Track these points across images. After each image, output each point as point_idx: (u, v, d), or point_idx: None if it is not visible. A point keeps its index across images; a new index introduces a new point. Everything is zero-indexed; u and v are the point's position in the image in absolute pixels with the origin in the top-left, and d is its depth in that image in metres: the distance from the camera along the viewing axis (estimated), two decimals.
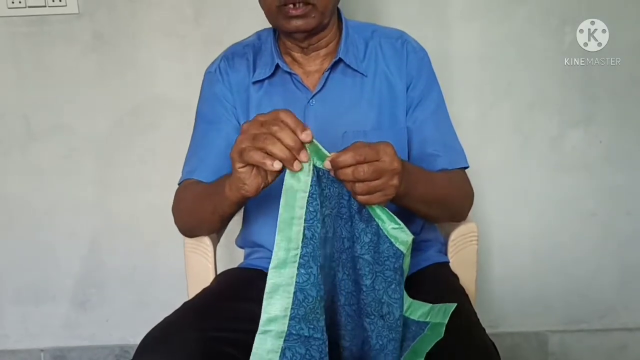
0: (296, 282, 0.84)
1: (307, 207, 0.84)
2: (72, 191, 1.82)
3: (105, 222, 1.84)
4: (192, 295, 1.17)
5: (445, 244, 1.22)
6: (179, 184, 1.18)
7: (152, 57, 1.75)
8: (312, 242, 0.85)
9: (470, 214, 1.24)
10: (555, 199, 1.85)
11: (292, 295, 0.84)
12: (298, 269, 0.84)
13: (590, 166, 1.83)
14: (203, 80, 1.21)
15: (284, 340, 0.84)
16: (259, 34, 1.20)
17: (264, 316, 0.83)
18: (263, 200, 1.10)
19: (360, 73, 1.13)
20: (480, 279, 1.23)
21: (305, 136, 0.80)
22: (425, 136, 1.14)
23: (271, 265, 0.84)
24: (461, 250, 1.20)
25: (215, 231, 1.18)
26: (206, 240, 1.21)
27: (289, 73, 1.13)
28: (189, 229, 1.16)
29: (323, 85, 1.12)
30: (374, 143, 0.85)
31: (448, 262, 1.19)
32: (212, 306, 1.04)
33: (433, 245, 1.21)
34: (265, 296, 0.83)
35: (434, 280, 1.09)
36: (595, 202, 1.86)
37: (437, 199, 1.05)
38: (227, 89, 1.17)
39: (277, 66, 1.13)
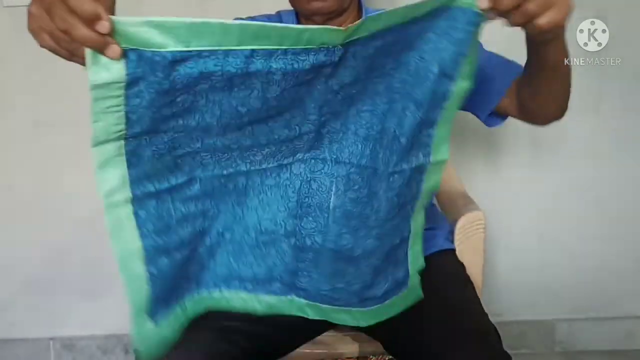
0: (125, 151, 0.76)
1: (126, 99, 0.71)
2: (80, 181, 1.82)
3: None
4: None
5: (452, 232, 1.22)
6: None
7: None
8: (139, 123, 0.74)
9: (476, 203, 1.24)
10: (563, 187, 1.85)
11: (125, 162, 0.77)
12: (126, 139, 0.75)
13: (599, 154, 1.82)
14: None
15: (132, 204, 0.79)
16: (280, 14, 1.21)
17: (101, 193, 0.78)
18: None
19: None
20: (486, 267, 1.22)
21: (102, 28, 0.62)
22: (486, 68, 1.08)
23: (92, 146, 0.75)
24: (468, 238, 1.20)
25: None
26: None
27: None
28: None
29: None
30: None
31: (454, 249, 1.19)
32: None
33: (440, 233, 1.20)
34: (96, 176, 0.77)
35: (438, 268, 1.09)
36: (603, 190, 1.85)
37: (566, 64, 0.92)
38: None
39: None
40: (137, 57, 0.68)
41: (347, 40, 0.75)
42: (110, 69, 0.68)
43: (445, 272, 1.07)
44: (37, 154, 1.82)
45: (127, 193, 0.79)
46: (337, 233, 0.90)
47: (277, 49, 0.72)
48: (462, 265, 1.15)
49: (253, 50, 0.71)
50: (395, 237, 0.93)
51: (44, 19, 0.64)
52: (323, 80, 0.79)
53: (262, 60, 0.73)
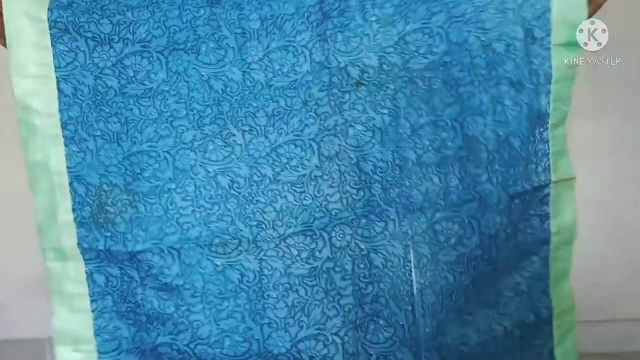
0: (68, 167, 0.62)
1: (55, 48, 0.57)
2: None
3: None
4: None
5: None
6: None
7: None
8: (77, 100, 0.58)
9: None
10: None
11: (68, 190, 0.62)
12: (66, 146, 0.62)
13: (598, 155, 1.81)
14: None
15: (85, 261, 0.63)
16: None
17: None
18: None
19: None
20: None
21: None
22: None
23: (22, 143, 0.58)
24: None
25: None
26: None
27: None
28: None
29: None
30: None
31: None
32: None
33: None
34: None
35: None
36: (603, 193, 1.84)
37: None
38: None
39: None
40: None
41: None
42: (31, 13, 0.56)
43: None
44: None
45: (72, 239, 0.66)
46: (435, 333, 0.60)
47: None
48: None
49: None
50: (528, 317, 0.66)
51: None
52: (322, 47, 0.57)
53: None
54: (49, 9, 0.54)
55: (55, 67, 0.57)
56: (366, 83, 0.58)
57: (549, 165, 0.64)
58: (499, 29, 0.59)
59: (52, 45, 0.56)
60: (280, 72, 0.57)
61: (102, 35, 0.54)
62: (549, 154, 0.65)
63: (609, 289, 1.89)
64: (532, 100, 0.63)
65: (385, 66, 0.58)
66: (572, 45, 0.68)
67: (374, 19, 0.56)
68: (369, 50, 0.57)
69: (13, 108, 1.79)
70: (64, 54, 0.56)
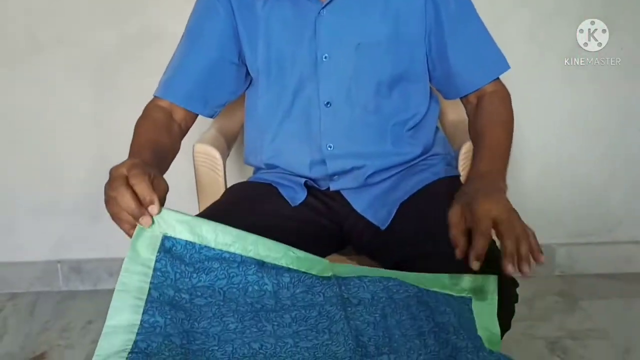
0: (137, 332, 0.78)
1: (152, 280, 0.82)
2: (79, 103, 1.81)
3: (113, 134, 1.82)
4: (202, 208, 1.18)
5: (456, 158, 1.21)
6: (154, 95, 1.16)
7: None
8: (159, 300, 0.80)
9: None
10: (566, 111, 1.83)
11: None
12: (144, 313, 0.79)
13: (603, 80, 1.79)
14: None
15: None
16: None
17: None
18: (273, 120, 1.10)
19: None
20: None
21: (152, 210, 0.84)
22: (457, 53, 1.11)
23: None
24: None
25: None
26: (216, 154, 1.21)
27: None
28: None
29: None
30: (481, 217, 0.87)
31: (458, 176, 1.18)
32: (221, 220, 1.05)
33: (443, 159, 1.20)
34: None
35: (443, 194, 1.08)
36: (606, 116, 1.83)
37: (508, 150, 1.06)
38: (221, 4, 1.12)
39: None
40: (170, 243, 0.84)
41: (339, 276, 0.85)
42: (148, 247, 0.85)
43: (449, 199, 1.07)
44: (36, 74, 1.80)
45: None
46: None
47: (282, 266, 0.84)
48: None
49: (263, 262, 0.84)
50: None
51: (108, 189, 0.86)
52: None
53: (272, 268, 0.84)
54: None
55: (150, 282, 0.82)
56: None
57: None
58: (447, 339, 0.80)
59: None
60: (302, 303, 0.83)
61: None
62: None
63: (611, 212, 1.92)
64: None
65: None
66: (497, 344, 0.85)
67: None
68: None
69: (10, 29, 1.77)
70: (159, 274, 0.82)
